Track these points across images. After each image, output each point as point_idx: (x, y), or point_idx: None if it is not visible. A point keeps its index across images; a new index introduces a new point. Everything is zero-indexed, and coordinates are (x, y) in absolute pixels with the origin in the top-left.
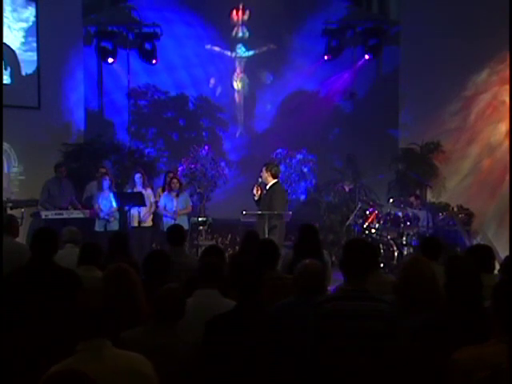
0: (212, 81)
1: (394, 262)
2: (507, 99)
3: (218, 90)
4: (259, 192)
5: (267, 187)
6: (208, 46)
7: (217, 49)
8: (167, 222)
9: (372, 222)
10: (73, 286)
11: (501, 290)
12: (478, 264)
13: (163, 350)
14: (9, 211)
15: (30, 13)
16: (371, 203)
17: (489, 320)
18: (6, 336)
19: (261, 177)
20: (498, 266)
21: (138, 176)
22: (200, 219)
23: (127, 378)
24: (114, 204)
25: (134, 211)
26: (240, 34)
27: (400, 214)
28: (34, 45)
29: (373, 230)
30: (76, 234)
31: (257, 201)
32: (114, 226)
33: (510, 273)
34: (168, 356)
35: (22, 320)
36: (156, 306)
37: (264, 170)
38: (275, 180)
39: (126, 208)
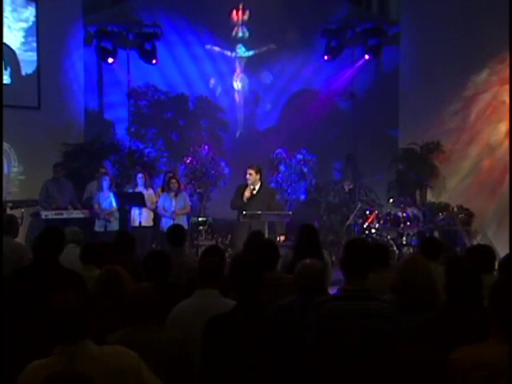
0: (212, 81)
1: (394, 261)
2: (507, 99)
3: (218, 90)
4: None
5: (257, 187)
6: (208, 46)
7: (217, 49)
8: (167, 222)
9: (372, 222)
10: (76, 287)
11: (499, 290)
12: (478, 264)
13: (143, 349)
14: (9, 211)
15: (29, 13)
16: (371, 203)
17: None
18: (7, 336)
19: (248, 179)
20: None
21: (139, 176)
22: (200, 219)
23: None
24: (114, 204)
25: (135, 211)
26: (240, 34)
27: (400, 213)
28: (34, 45)
29: (373, 230)
30: (79, 234)
31: (245, 203)
32: (114, 225)
33: (508, 272)
34: (149, 355)
35: (25, 321)
36: (128, 306)
37: (254, 172)
38: (261, 181)
39: (127, 207)
